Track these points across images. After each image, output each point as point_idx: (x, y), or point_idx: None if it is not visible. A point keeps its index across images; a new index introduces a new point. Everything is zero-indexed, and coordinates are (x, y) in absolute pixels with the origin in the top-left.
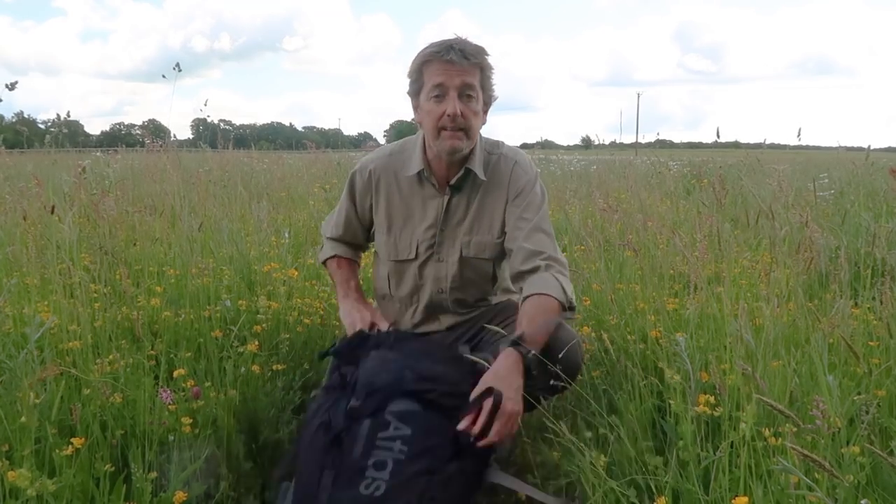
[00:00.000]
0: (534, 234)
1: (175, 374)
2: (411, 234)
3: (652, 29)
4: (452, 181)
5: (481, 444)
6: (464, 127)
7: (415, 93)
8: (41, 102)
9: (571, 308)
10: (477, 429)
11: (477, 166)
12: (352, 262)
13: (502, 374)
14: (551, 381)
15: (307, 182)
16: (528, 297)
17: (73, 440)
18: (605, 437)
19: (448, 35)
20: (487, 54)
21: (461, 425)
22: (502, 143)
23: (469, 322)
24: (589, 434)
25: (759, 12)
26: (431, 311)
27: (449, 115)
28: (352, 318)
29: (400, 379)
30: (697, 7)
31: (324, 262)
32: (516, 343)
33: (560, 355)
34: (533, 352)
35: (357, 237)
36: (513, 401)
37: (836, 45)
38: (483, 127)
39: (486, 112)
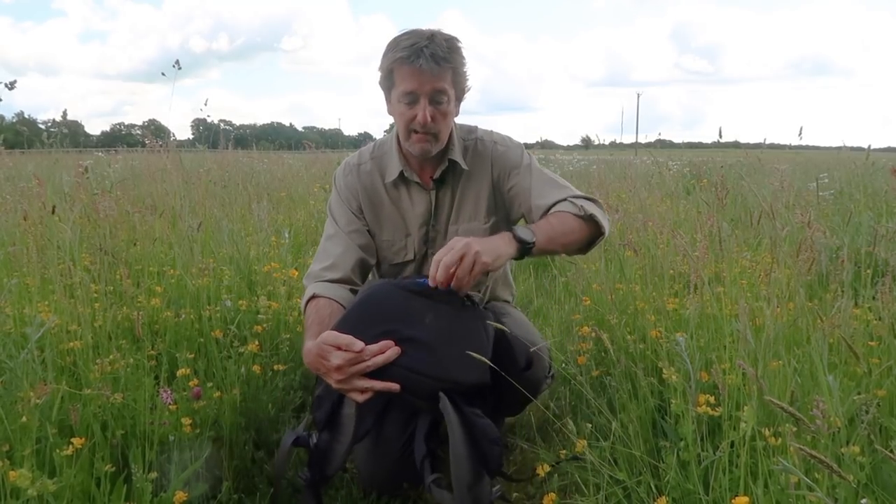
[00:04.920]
0: (543, 190)
1: (179, 373)
2: (404, 237)
3: (648, 29)
4: (436, 175)
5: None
6: (434, 132)
7: (386, 89)
8: (41, 103)
9: (591, 220)
10: (431, 269)
11: (458, 156)
12: (330, 303)
13: (485, 236)
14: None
15: (307, 182)
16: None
17: (73, 440)
18: (606, 437)
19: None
20: (459, 48)
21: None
22: (476, 127)
23: None
24: (590, 425)
25: (754, 13)
26: None
27: (420, 122)
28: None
29: None
30: (693, 8)
31: (304, 309)
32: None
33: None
34: (527, 231)
35: (347, 261)
36: (480, 247)
37: (833, 46)
38: (460, 119)
39: (459, 102)
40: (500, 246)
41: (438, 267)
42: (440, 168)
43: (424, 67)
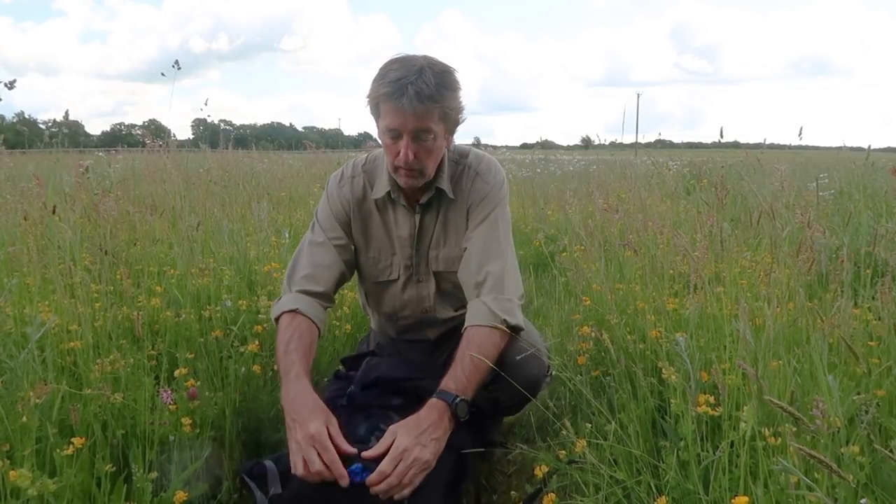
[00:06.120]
0: (476, 252)
1: (177, 373)
2: (391, 256)
3: (647, 29)
4: (423, 201)
5: (376, 489)
6: (418, 167)
7: (375, 117)
8: (41, 103)
9: (510, 326)
10: (396, 479)
11: (445, 184)
12: (311, 328)
13: (421, 423)
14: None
15: (307, 182)
16: (463, 331)
17: (73, 440)
18: (605, 437)
19: (445, 35)
20: (450, 82)
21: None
22: (470, 149)
23: (455, 332)
24: (590, 425)
25: (753, 13)
26: (417, 325)
27: (402, 160)
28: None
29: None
30: (691, 8)
31: (276, 319)
32: (443, 393)
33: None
34: (460, 398)
35: (330, 275)
36: (421, 446)
37: (832, 46)
38: (462, 138)
39: (452, 134)
40: (443, 437)
41: (381, 481)
42: (427, 195)
43: (407, 108)
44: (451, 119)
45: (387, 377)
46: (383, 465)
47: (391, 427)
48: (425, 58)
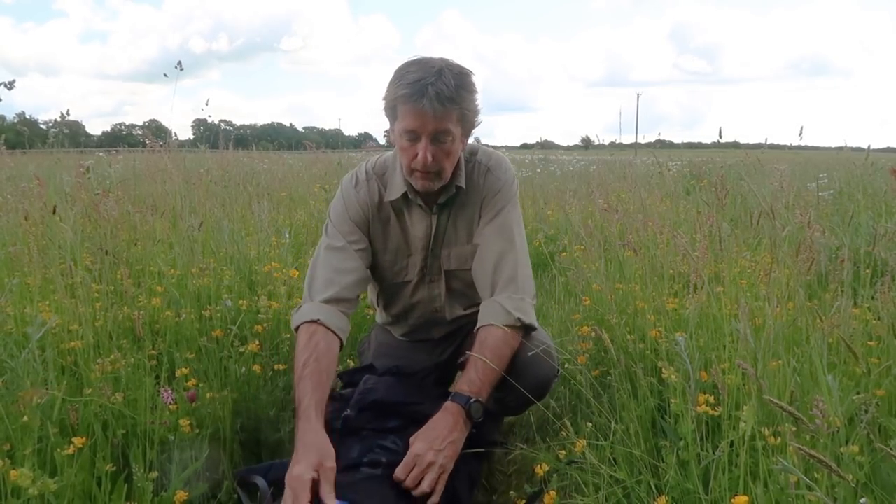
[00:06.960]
0: (489, 249)
1: (178, 373)
2: (406, 257)
3: (647, 30)
4: (442, 200)
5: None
6: (435, 170)
7: (391, 119)
8: (41, 103)
9: (524, 325)
10: (410, 482)
11: (463, 182)
12: (331, 345)
13: (436, 427)
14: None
15: (307, 182)
16: (476, 331)
17: (74, 440)
18: (606, 436)
19: (445, 35)
20: (469, 84)
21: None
22: (479, 147)
23: (460, 331)
24: (590, 425)
25: (752, 14)
26: (425, 325)
27: (420, 162)
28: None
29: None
30: (691, 8)
31: (297, 329)
32: (457, 395)
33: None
34: (475, 399)
35: (352, 281)
36: (435, 451)
37: (831, 47)
38: (469, 140)
39: (467, 137)
40: (459, 439)
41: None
42: (446, 195)
43: (427, 109)
44: (468, 121)
45: (384, 401)
46: (397, 472)
47: (411, 438)
48: (443, 60)
